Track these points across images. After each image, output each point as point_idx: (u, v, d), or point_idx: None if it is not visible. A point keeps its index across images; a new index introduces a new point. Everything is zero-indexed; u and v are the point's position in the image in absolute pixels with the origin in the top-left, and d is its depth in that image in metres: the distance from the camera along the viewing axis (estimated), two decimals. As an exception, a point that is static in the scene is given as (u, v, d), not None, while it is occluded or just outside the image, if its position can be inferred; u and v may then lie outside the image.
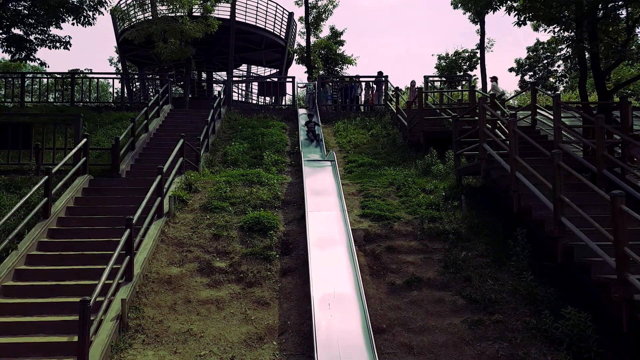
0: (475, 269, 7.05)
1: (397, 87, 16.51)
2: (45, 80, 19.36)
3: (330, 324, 5.92)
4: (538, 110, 11.49)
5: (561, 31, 11.60)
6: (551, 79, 27.66)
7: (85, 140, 9.73)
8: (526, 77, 29.88)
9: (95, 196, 9.29)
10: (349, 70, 24.79)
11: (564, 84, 28.89)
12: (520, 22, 11.18)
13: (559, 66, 29.07)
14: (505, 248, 7.28)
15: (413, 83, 17.69)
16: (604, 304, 5.36)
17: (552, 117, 9.51)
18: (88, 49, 68.40)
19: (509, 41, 63.50)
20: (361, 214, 8.96)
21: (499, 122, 11.20)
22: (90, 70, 23.30)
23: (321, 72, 22.72)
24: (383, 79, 17.96)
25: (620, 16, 10.92)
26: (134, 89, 22.85)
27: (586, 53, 11.68)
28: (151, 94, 21.90)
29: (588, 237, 5.50)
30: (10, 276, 6.75)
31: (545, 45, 28.79)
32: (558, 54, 28.43)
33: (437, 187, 9.88)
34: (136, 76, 23.20)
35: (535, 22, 11.76)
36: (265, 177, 10.49)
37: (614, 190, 5.08)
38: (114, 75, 22.64)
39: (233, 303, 6.61)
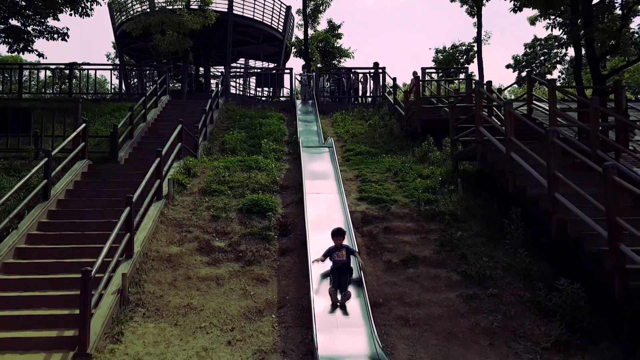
0: (471, 247, 7.15)
1: (395, 78, 16.60)
2: (43, 73, 19.37)
3: (328, 298, 6.00)
4: (534, 101, 11.59)
5: (556, 17, 11.70)
6: (547, 65, 27.77)
7: (84, 125, 9.77)
8: (523, 74, 30.04)
9: (94, 180, 9.34)
10: (347, 64, 24.82)
11: (561, 80, 29.06)
12: (516, 9, 11.27)
13: (556, 64, 29.22)
14: (500, 227, 7.38)
15: (414, 74, 17.77)
16: (596, 276, 5.46)
17: (547, 107, 9.61)
18: (85, 45, 68.31)
19: (507, 38, 63.80)
20: (359, 197, 9.04)
21: (494, 109, 11.32)
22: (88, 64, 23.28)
23: (319, 65, 22.78)
24: (380, 70, 18.03)
25: (615, 4, 11.05)
26: (132, 84, 22.86)
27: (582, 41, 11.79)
28: (149, 88, 21.91)
29: (582, 213, 5.59)
30: (11, 254, 6.80)
31: (543, 42, 28.95)
32: (555, 50, 28.61)
33: (433, 173, 9.98)
34: (134, 69, 23.21)
35: (530, 7, 11.85)
36: (264, 163, 10.56)
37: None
38: (112, 67, 22.63)
39: (232, 280, 6.68)
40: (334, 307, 5.81)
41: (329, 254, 6.45)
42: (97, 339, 5.24)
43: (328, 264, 6.57)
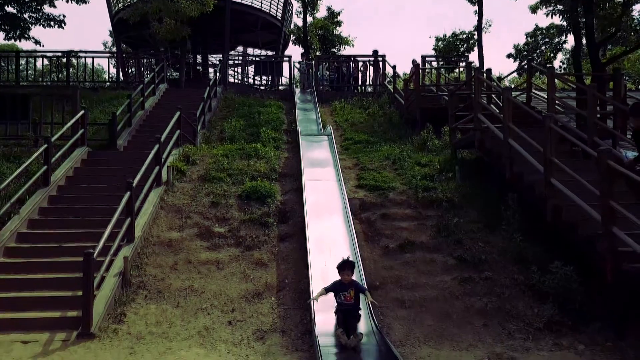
0: (467, 233, 7.25)
1: (395, 66, 16.58)
2: (40, 61, 19.28)
3: (327, 280, 6.06)
4: (534, 90, 11.62)
5: (556, 4, 11.69)
6: (547, 52, 27.66)
7: (83, 112, 9.80)
8: (524, 64, 29.95)
9: (94, 167, 9.39)
10: (347, 52, 24.66)
11: (562, 71, 29.02)
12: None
13: (556, 52, 29.14)
14: (497, 214, 7.46)
15: (414, 62, 17.73)
16: (590, 259, 5.56)
17: (546, 96, 9.65)
18: (82, 33, 67.76)
19: (508, 27, 63.50)
20: (357, 184, 9.12)
21: (494, 97, 11.36)
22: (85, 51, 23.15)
23: (318, 53, 22.68)
24: (380, 58, 17.99)
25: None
26: (130, 72, 22.76)
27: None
28: (147, 76, 21.81)
29: (577, 198, 5.67)
30: (13, 238, 6.88)
31: (544, 31, 28.82)
32: (556, 39, 28.49)
33: (432, 161, 10.05)
34: (132, 57, 23.10)
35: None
36: (263, 151, 10.61)
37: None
38: (109, 55, 22.52)
39: (232, 264, 6.78)
40: (341, 347, 4.88)
41: (333, 290, 5.26)
42: (100, 319, 5.34)
43: (324, 246, 6.66)
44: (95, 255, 5.34)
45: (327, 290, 5.30)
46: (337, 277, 5.35)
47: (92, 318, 5.21)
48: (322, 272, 6.30)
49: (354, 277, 5.35)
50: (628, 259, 4.94)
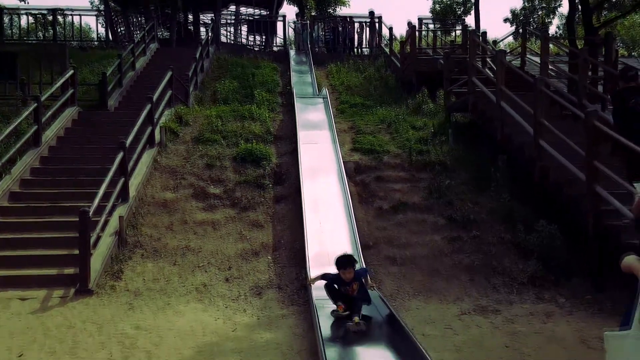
0: (458, 194, 7.37)
1: (391, 27, 16.26)
2: (24, 19, 18.59)
3: (321, 240, 6.22)
4: (528, 55, 11.53)
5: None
6: (542, 15, 27.26)
7: (72, 71, 9.58)
8: (521, 30, 29.48)
9: (85, 127, 9.28)
10: (342, 12, 24.05)
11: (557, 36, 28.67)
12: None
13: (551, 14, 28.67)
14: (487, 176, 7.57)
15: (409, 24, 17.38)
16: (574, 218, 5.74)
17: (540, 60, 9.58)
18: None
19: (504, -9, 61.93)
20: (352, 148, 9.14)
21: (488, 61, 11.26)
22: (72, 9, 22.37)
23: (313, 13, 22.10)
24: (376, 19, 17.60)
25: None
26: (119, 32, 22.08)
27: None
28: (136, 36, 21.20)
29: (563, 159, 5.77)
30: (6, 198, 6.86)
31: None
32: (553, 5, 27.97)
33: (426, 124, 10.07)
34: (120, 15, 22.37)
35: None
36: (257, 113, 10.51)
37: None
38: (97, 13, 21.79)
39: (228, 224, 6.86)
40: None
41: (333, 282, 4.52)
42: (98, 277, 5.43)
43: (319, 207, 6.75)
44: (90, 213, 5.37)
45: (326, 279, 4.60)
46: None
47: (90, 275, 5.30)
48: (317, 232, 6.41)
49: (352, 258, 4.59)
50: (609, 216, 5.10)
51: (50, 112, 8.39)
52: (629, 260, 1.94)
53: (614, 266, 2.08)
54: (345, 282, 4.41)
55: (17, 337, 4.41)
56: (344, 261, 4.44)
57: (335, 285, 4.48)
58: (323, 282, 4.65)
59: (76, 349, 4.19)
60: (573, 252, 5.71)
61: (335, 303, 4.43)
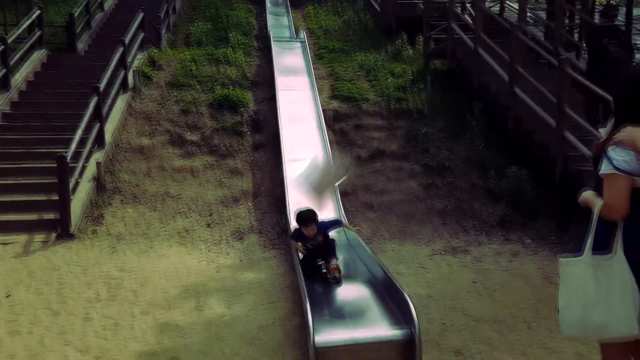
0: (434, 142, 7.54)
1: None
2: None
3: (301, 191, 6.34)
4: (507, 1, 11.38)
5: None
6: None
7: (39, 11, 9.06)
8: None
9: (55, 71, 8.94)
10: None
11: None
12: None
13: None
14: (463, 123, 7.74)
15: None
16: (543, 163, 6.00)
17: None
18: None
19: None
20: (331, 95, 9.10)
21: (468, 6, 11.13)
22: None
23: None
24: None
25: None
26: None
27: None
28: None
29: (536, 106, 5.94)
30: (-23, 144, 6.69)
31: None
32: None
33: (405, 71, 10.04)
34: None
35: None
36: (233, 57, 10.24)
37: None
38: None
39: (207, 172, 6.89)
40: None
41: (299, 240, 4.31)
42: (78, 221, 5.48)
43: (299, 154, 6.82)
44: (68, 159, 5.32)
45: (292, 238, 4.44)
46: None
47: (71, 219, 5.34)
48: (296, 180, 6.51)
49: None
50: (575, 162, 5.37)
51: (18, 55, 8.03)
52: (586, 194, 2.10)
53: (578, 208, 2.27)
54: (310, 238, 4.19)
55: (2, 279, 4.50)
56: (303, 217, 4.15)
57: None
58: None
59: (63, 289, 4.32)
60: (541, 196, 6.02)
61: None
